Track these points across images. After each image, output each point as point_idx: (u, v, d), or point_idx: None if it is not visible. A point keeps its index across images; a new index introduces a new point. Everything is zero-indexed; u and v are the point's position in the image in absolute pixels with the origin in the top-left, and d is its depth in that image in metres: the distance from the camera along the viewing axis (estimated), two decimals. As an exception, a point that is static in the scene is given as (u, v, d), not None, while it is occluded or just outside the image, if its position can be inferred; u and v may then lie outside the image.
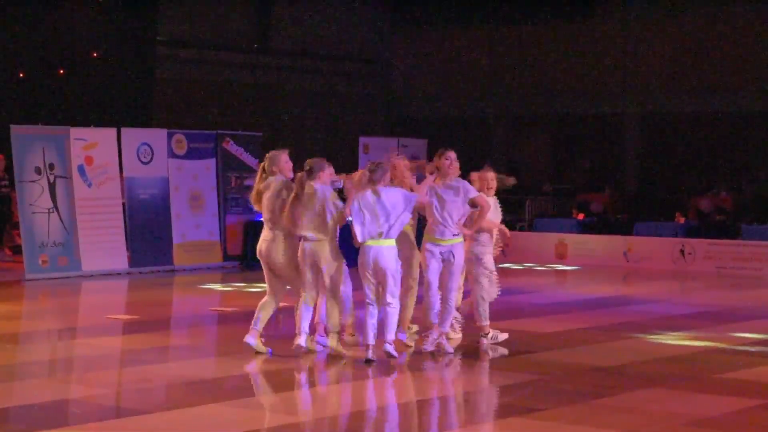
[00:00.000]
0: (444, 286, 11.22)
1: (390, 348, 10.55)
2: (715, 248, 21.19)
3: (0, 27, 23.59)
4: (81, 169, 18.46)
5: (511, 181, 12.27)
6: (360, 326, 11.20)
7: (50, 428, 8.07)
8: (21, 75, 24.04)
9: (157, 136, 19.80)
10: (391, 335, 10.62)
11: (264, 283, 11.25)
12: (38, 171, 18.01)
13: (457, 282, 11.49)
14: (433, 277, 11.16)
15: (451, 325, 11.86)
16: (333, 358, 10.84)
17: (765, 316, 15.11)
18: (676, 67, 27.34)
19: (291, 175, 11.04)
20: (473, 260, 11.63)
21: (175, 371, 10.58)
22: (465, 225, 11.28)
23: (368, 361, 10.59)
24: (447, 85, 30.50)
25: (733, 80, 26.51)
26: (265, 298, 11.10)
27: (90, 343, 11.98)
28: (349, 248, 11.02)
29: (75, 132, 18.55)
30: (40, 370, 10.54)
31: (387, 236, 10.58)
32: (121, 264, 19.02)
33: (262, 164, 11.20)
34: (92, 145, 18.65)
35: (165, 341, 12.50)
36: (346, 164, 16.46)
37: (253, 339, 10.97)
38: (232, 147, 20.70)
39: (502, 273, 12.48)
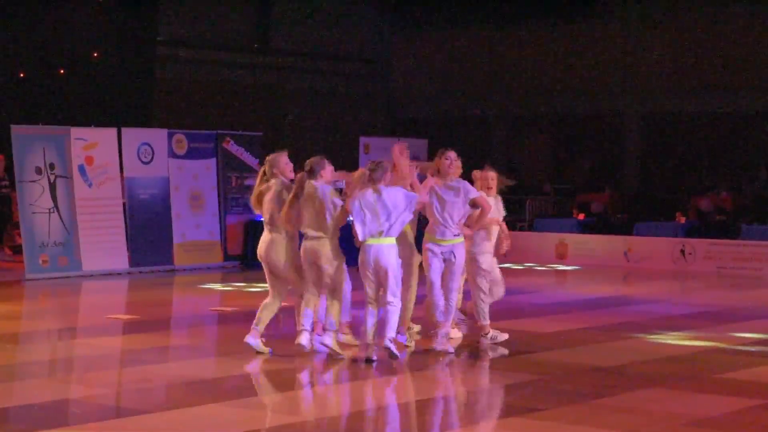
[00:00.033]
0: (445, 286, 11.23)
1: (390, 345, 10.50)
2: (715, 248, 21.20)
3: (0, 27, 23.59)
4: (81, 169, 18.46)
5: (507, 182, 12.28)
6: (359, 325, 11.20)
7: (50, 428, 8.07)
8: (21, 75, 24.05)
9: (157, 136, 19.80)
10: (391, 333, 10.59)
11: (264, 283, 11.25)
12: (38, 171, 18.00)
13: (458, 282, 11.50)
14: (436, 276, 11.16)
15: (456, 324, 11.88)
16: (333, 358, 10.83)
17: (765, 316, 15.11)
18: (676, 67, 27.35)
19: (292, 175, 11.04)
20: (469, 260, 11.64)
21: (175, 371, 10.58)
22: (466, 225, 11.29)
23: (368, 360, 10.60)
24: (447, 85, 30.50)
25: (733, 80, 26.52)
26: (268, 299, 11.10)
27: (90, 343, 11.98)
28: (350, 247, 11.02)
29: (75, 132, 18.55)
30: (40, 370, 10.54)
31: (387, 234, 10.58)
32: (121, 264, 19.02)
33: (263, 168, 11.19)
34: (92, 145, 18.65)
35: (165, 341, 12.50)
36: (346, 164, 16.41)
37: (253, 339, 10.97)
38: (232, 147, 20.70)
39: (503, 273, 12.46)
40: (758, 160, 26.00)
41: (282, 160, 11.06)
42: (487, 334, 11.84)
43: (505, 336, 11.95)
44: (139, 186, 19.38)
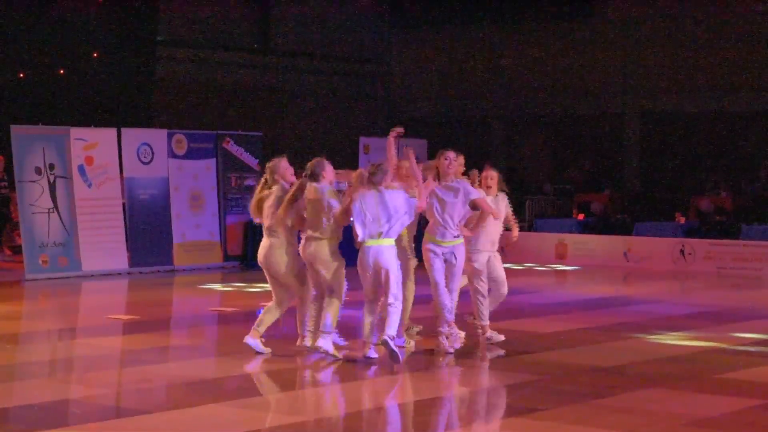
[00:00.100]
0: (445, 287, 11.24)
1: (390, 342, 10.44)
2: (715, 248, 21.20)
3: (0, 27, 23.59)
4: (81, 169, 18.46)
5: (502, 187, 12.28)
6: (357, 326, 11.20)
7: (50, 428, 8.07)
8: (21, 75, 24.04)
9: (157, 136, 19.80)
10: (391, 331, 10.55)
11: (264, 283, 11.25)
12: (38, 171, 18.01)
13: (458, 282, 11.50)
14: (440, 276, 11.16)
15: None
16: (334, 355, 10.82)
17: (765, 316, 15.11)
18: (676, 67, 27.35)
19: (293, 179, 11.03)
20: (465, 259, 11.65)
21: (175, 371, 10.58)
22: (466, 226, 11.29)
23: (367, 359, 10.59)
24: (447, 85, 30.50)
25: (733, 80, 26.52)
26: (271, 303, 11.10)
27: (90, 343, 11.98)
28: (350, 248, 11.01)
29: (75, 132, 18.55)
30: (40, 370, 10.54)
31: (386, 236, 10.58)
32: (121, 264, 19.02)
33: (264, 176, 11.18)
34: (92, 145, 18.65)
35: (165, 341, 12.50)
36: (346, 164, 16.44)
37: (253, 340, 10.97)
38: (232, 147, 20.70)
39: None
40: (758, 160, 26.00)
41: (282, 164, 11.06)
42: (485, 334, 11.85)
43: (502, 338, 11.93)
44: (139, 186, 19.38)
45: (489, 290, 11.95)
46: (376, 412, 9.14)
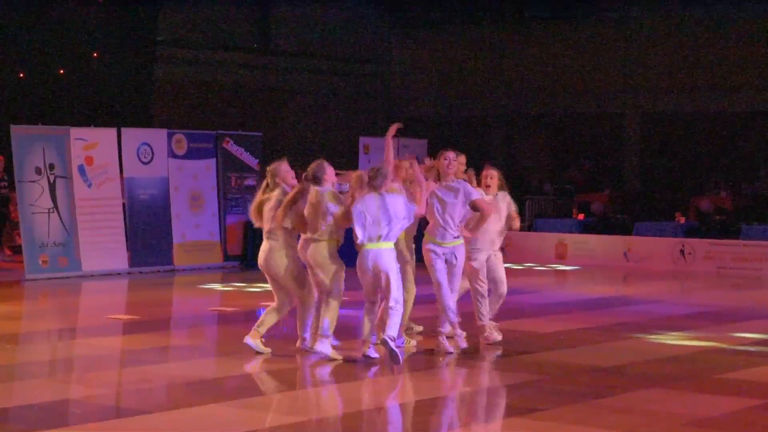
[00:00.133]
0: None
1: (390, 342, 10.41)
2: (715, 248, 21.20)
3: (0, 27, 23.59)
4: (81, 169, 18.46)
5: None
6: (357, 326, 11.20)
7: (50, 428, 8.07)
8: (21, 75, 24.04)
9: (157, 136, 19.80)
10: (392, 331, 10.53)
11: (264, 283, 11.24)
12: (38, 171, 18.01)
13: (459, 282, 11.49)
14: (442, 276, 11.16)
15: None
16: (333, 358, 10.82)
17: (765, 316, 15.11)
18: (676, 67, 27.35)
19: (294, 182, 11.02)
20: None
21: (175, 371, 10.58)
22: (466, 227, 11.29)
23: (368, 358, 10.59)
24: (447, 84, 30.50)
25: (733, 80, 26.52)
26: (273, 305, 11.10)
27: (90, 343, 11.98)
28: (350, 249, 11.00)
29: (75, 132, 18.55)
30: (40, 370, 10.54)
31: (386, 239, 10.57)
32: (121, 264, 19.02)
33: (265, 180, 11.17)
34: (92, 145, 18.65)
35: (165, 341, 12.50)
36: (346, 164, 16.49)
37: (253, 340, 10.97)
38: (232, 147, 20.70)
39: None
40: (758, 160, 26.00)
41: (282, 168, 11.04)
42: (483, 333, 11.85)
43: (499, 337, 11.90)
44: (139, 186, 19.38)
45: (489, 290, 11.94)
46: (376, 412, 9.14)
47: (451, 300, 11.22)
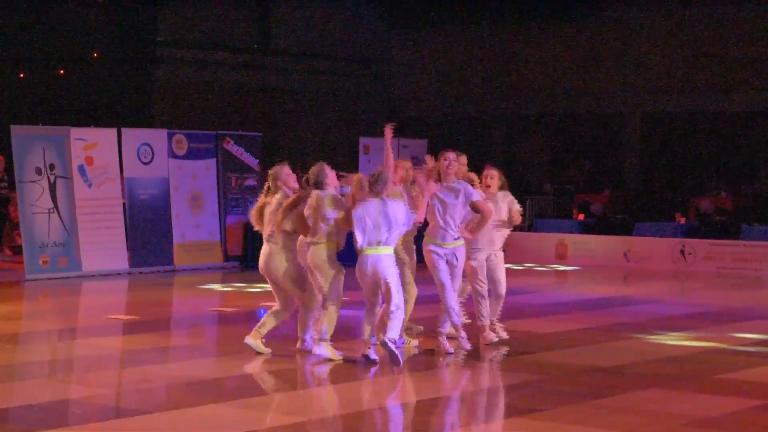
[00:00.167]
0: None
1: (390, 343, 10.38)
2: (715, 249, 21.20)
3: (0, 27, 23.60)
4: (81, 170, 18.46)
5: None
6: (358, 326, 11.20)
7: (50, 428, 8.07)
8: (21, 75, 24.05)
9: (157, 136, 19.80)
10: (392, 334, 10.52)
11: (264, 283, 11.24)
12: (38, 171, 18.01)
13: (459, 284, 11.50)
14: (445, 277, 11.16)
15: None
16: (332, 359, 10.82)
17: (765, 316, 15.11)
18: (676, 67, 27.35)
19: (296, 185, 11.01)
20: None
21: (175, 371, 10.58)
22: (467, 228, 11.29)
23: (366, 358, 10.59)
24: (447, 85, 30.50)
25: (733, 80, 26.52)
26: (276, 307, 11.09)
27: (90, 344, 11.98)
28: (351, 250, 10.98)
29: (75, 132, 18.55)
30: (40, 371, 10.54)
31: (385, 244, 10.54)
32: (121, 264, 19.02)
33: (266, 183, 11.16)
34: (92, 145, 18.65)
35: (165, 341, 12.50)
36: (346, 164, 16.45)
37: (253, 340, 10.97)
38: (232, 147, 20.70)
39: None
40: (758, 160, 26.00)
41: (284, 171, 11.03)
42: (482, 333, 11.85)
43: (494, 338, 11.90)
44: (139, 186, 19.38)
45: (489, 291, 11.94)
46: (376, 412, 9.14)
47: (454, 301, 11.23)
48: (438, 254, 11.15)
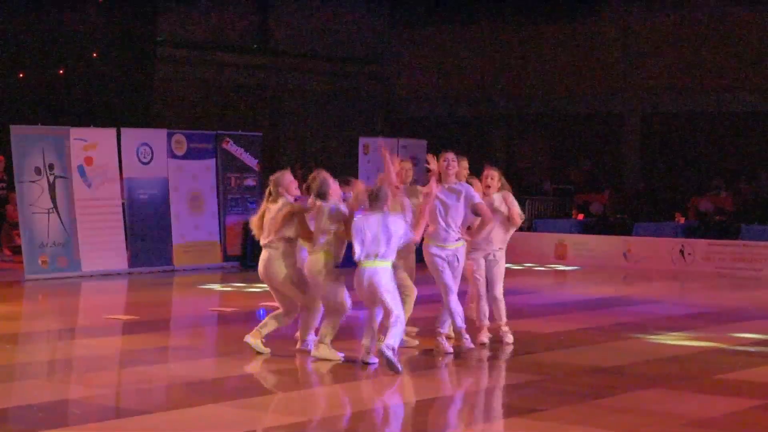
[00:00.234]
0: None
1: (388, 352, 10.28)
2: (715, 249, 21.19)
3: (0, 27, 23.58)
4: (81, 170, 18.45)
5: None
6: (360, 329, 11.20)
7: (50, 428, 8.06)
8: (21, 75, 24.04)
9: (156, 136, 19.79)
10: (392, 341, 10.44)
11: (264, 283, 11.23)
12: (38, 171, 17.99)
13: (458, 284, 11.49)
14: (449, 279, 11.15)
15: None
16: (332, 359, 10.81)
17: (765, 316, 15.11)
18: (676, 67, 27.34)
19: (297, 192, 11.00)
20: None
21: (174, 371, 10.58)
22: (467, 231, 11.28)
23: (365, 364, 10.57)
24: (447, 85, 30.48)
25: (733, 80, 26.51)
26: (279, 311, 11.08)
27: (90, 344, 11.97)
28: (350, 251, 10.96)
29: (75, 132, 18.54)
30: (40, 371, 10.54)
31: (383, 257, 10.47)
32: (120, 264, 19.01)
33: (268, 188, 11.15)
34: (92, 145, 18.64)
35: (165, 341, 12.50)
36: (346, 164, 16.49)
37: (253, 340, 10.96)
38: (232, 147, 20.69)
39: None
40: (758, 160, 25.99)
41: (286, 178, 11.01)
42: (479, 334, 11.85)
43: (485, 340, 11.86)
44: (139, 186, 19.37)
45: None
46: (376, 412, 9.13)
47: (458, 304, 11.22)
48: (440, 257, 11.14)
